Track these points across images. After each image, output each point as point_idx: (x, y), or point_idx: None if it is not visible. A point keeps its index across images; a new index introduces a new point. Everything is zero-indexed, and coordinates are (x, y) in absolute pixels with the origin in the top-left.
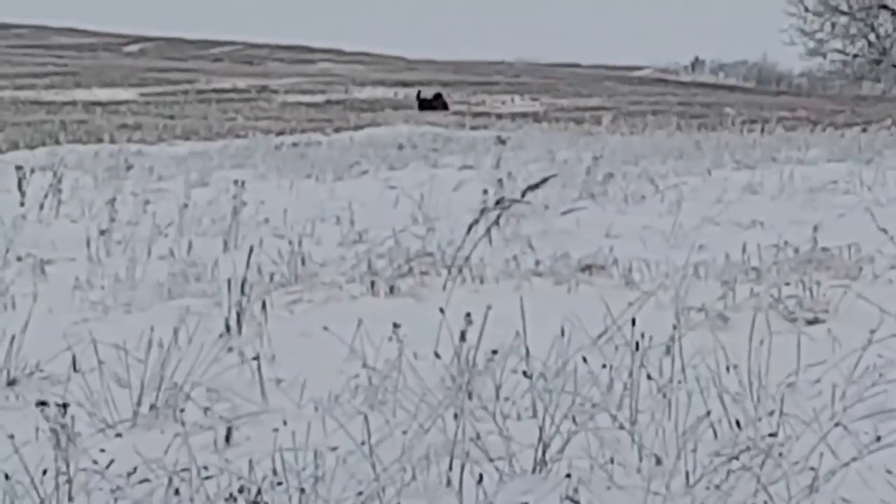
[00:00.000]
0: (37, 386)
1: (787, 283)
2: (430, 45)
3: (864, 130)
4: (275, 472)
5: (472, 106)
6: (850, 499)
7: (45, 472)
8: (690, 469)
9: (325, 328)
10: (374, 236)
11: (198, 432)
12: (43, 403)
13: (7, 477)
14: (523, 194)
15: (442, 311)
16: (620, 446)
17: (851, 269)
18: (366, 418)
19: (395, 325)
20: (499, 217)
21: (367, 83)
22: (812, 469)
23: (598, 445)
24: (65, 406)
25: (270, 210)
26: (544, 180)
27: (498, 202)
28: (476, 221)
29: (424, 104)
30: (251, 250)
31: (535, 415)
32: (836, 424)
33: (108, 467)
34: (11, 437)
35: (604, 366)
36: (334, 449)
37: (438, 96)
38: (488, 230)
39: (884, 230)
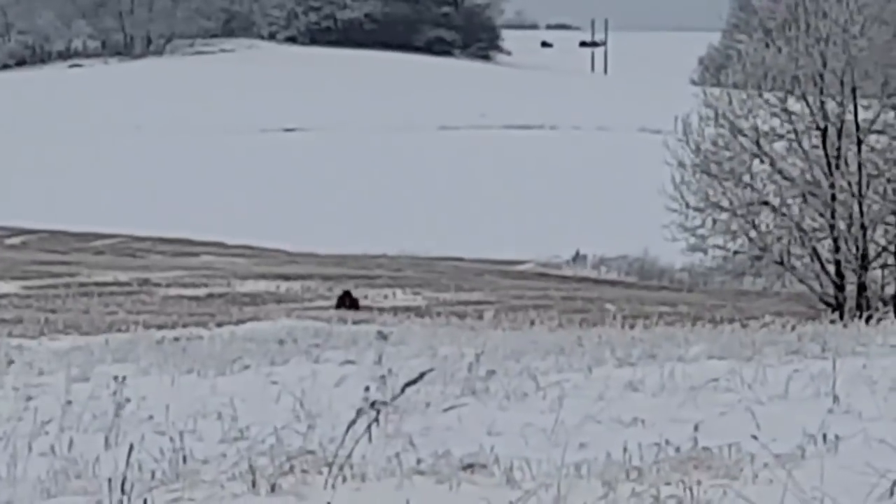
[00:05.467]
0: None
1: (668, 483)
2: (312, 239)
3: (745, 326)
4: None
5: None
6: None
7: None
8: None
9: None
10: (255, 433)
11: None
12: None
13: None
14: (402, 391)
15: None
16: None
17: (732, 468)
18: None
19: None
20: (378, 414)
21: (249, 276)
22: None
23: None
24: None
25: (152, 406)
26: (421, 376)
27: (372, 404)
28: (353, 421)
29: (340, 302)
30: (131, 448)
31: None
32: None
33: None
34: None
35: None
36: None
37: (348, 293)
38: (368, 428)
39: (755, 437)
